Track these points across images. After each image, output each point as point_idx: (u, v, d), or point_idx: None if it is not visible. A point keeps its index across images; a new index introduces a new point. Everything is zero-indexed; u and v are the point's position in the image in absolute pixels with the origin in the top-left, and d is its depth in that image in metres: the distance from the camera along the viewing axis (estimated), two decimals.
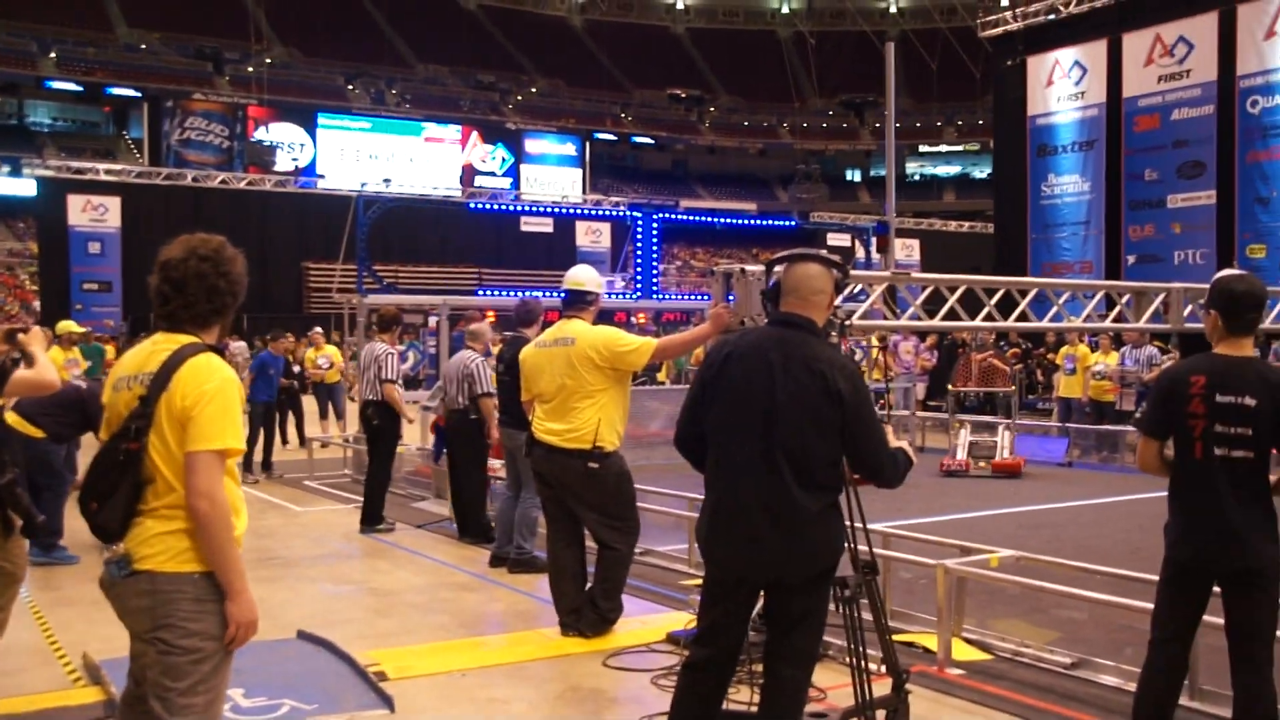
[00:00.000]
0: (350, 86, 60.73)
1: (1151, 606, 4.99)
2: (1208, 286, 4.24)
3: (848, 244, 30.17)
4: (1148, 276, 19.36)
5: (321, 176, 50.10)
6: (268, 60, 57.11)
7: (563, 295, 6.43)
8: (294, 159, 52.64)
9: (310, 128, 53.51)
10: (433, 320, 19.84)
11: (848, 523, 3.94)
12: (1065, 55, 23.44)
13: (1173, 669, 4.10)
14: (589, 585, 6.26)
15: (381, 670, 5.48)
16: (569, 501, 6.22)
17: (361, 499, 9.98)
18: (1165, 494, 4.17)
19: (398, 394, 9.80)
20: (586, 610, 6.17)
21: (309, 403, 16.29)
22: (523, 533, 7.95)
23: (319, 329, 18.43)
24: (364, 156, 53.75)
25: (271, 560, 8.55)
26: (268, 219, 36.93)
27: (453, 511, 9.63)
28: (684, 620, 6.02)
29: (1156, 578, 5.25)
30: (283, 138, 53.19)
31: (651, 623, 6.37)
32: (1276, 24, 19.75)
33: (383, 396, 9.71)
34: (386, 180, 48.32)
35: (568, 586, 6.26)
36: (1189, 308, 8.16)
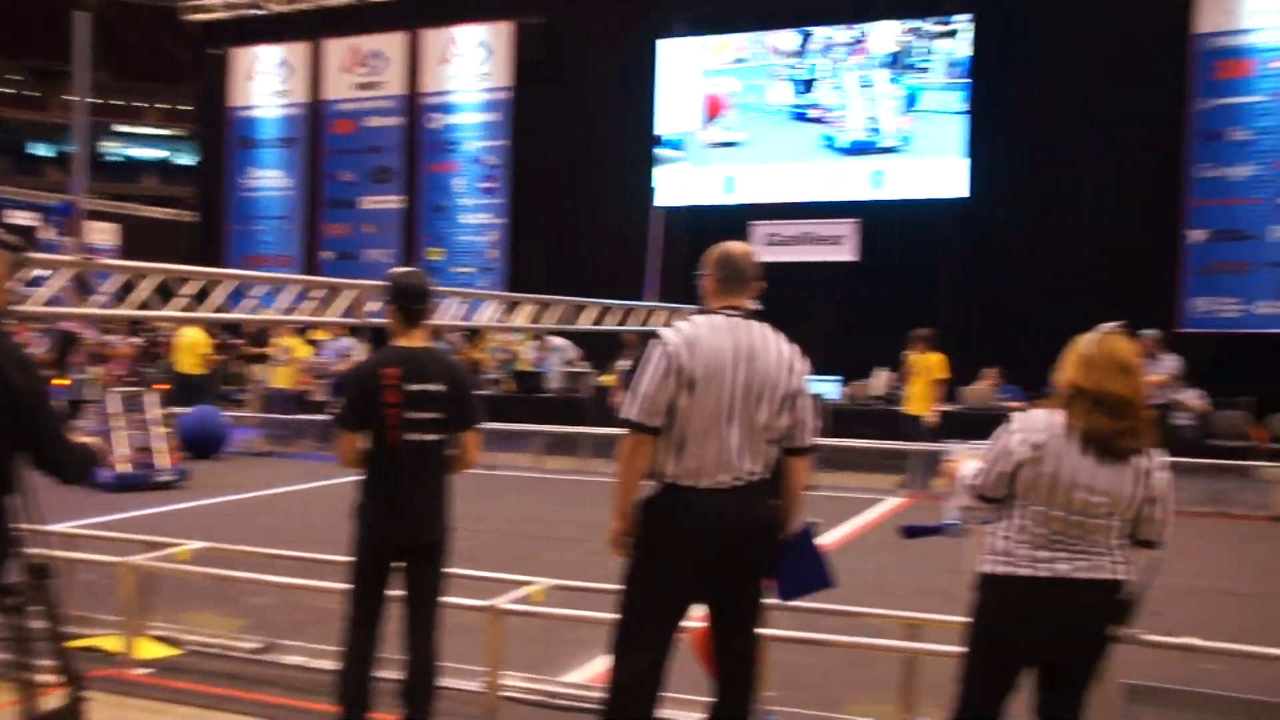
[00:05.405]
0: None
1: (331, 586, 5.31)
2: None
3: (32, 224, 27.85)
4: (342, 272, 20.40)
5: None
6: None
7: None
8: None
9: None
10: None
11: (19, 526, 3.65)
12: (270, 52, 23.79)
13: (371, 644, 4.34)
14: None
15: None
16: None
17: None
18: (349, 479, 4.42)
19: None
20: None
21: None
22: None
23: None
24: None
25: None
26: None
27: None
28: None
29: (339, 559, 5.60)
30: None
31: None
32: (449, 50, 21.89)
33: None
34: None
35: None
36: (375, 304, 8.77)
